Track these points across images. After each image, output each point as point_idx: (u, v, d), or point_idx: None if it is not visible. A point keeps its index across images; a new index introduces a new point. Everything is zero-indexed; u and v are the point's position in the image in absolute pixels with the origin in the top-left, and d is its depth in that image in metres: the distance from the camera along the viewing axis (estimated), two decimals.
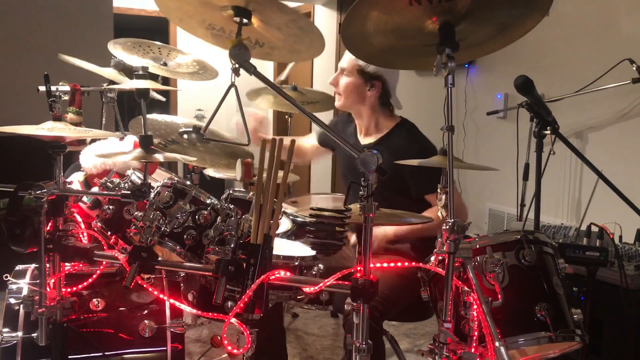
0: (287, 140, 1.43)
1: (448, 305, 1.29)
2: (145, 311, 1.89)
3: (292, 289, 1.55)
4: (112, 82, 2.68)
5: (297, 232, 2.08)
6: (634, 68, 2.58)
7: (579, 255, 1.98)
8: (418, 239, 2.17)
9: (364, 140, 2.31)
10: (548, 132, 2.12)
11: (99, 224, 1.75)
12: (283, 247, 1.80)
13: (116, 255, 1.58)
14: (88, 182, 2.14)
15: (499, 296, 1.37)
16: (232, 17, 1.42)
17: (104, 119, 2.92)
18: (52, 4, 4.31)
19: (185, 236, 1.56)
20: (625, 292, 2.01)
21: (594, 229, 2.09)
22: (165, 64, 2.11)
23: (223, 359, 2.60)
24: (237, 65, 1.39)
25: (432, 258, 1.51)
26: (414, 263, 1.50)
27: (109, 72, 2.61)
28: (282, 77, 2.99)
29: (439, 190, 1.49)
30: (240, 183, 1.93)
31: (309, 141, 2.68)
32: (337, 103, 2.31)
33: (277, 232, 1.57)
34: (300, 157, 2.71)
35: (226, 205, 1.62)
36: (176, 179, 1.73)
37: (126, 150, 1.90)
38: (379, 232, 2.12)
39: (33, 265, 1.92)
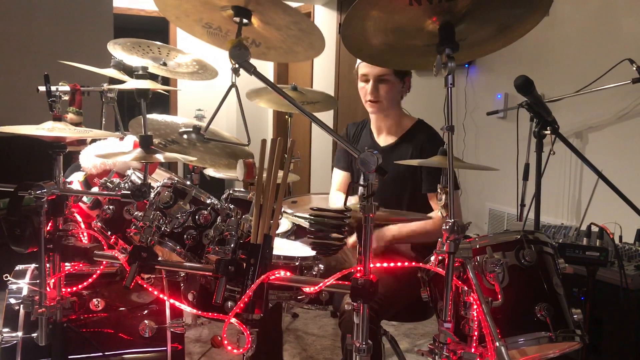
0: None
1: (448, 305, 1.29)
2: (145, 311, 1.89)
3: (292, 289, 1.55)
4: (113, 82, 2.68)
5: (297, 232, 2.09)
6: (634, 68, 2.58)
7: (579, 255, 1.98)
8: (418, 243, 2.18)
9: (385, 140, 2.30)
10: (548, 132, 2.12)
11: (99, 224, 1.75)
12: (283, 247, 1.80)
13: (116, 255, 1.58)
14: (88, 182, 2.14)
15: (499, 296, 1.37)
16: (231, 17, 1.42)
17: (104, 119, 2.92)
18: (52, 4, 4.31)
19: (185, 236, 1.57)
20: (625, 292, 2.01)
21: (594, 229, 2.09)
22: (164, 64, 2.11)
23: None
24: (237, 65, 1.39)
25: (432, 258, 1.51)
26: (413, 263, 1.50)
27: (109, 72, 2.61)
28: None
29: (439, 190, 1.49)
30: (241, 183, 1.93)
31: (337, 180, 2.46)
32: (374, 109, 2.23)
33: (277, 232, 1.57)
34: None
35: (226, 205, 1.62)
36: (176, 179, 1.73)
37: (126, 150, 1.90)
38: (377, 235, 2.12)
39: (33, 265, 1.92)
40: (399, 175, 2.15)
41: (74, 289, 1.74)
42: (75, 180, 2.15)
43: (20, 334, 1.72)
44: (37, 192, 1.52)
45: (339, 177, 2.45)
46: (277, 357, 2.36)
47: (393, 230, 2.12)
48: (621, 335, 2.13)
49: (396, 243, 2.15)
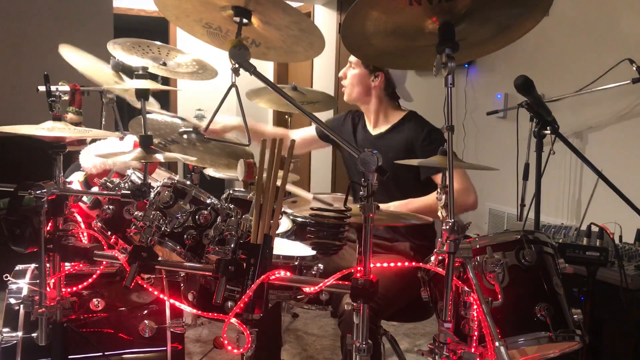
0: (287, 140, 1.44)
1: (448, 305, 1.29)
2: (145, 311, 1.89)
3: (292, 289, 1.55)
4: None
5: (297, 232, 2.08)
6: (634, 68, 2.58)
7: (579, 255, 1.98)
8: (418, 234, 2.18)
9: (374, 130, 2.35)
10: (548, 132, 2.12)
11: (99, 224, 1.75)
12: (283, 247, 1.80)
13: (116, 255, 1.58)
14: (88, 182, 2.14)
15: (499, 296, 1.37)
16: (231, 17, 1.42)
17: (104, 119, 2.92)
18: (52, 4, 4.31)
19: (185, 236, 1.56)
20: (625, 292, 2.01)
21: (594, 229, 2.09)
22: (164, 64, 2.11)
23: None
24: (237, 65, 1.39)
25: (432, 258, 1.51)
26: (414, 263, 1.50)
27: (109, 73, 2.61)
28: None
29: (438, 190, 1.50)
30: (241, 183, 1.93)
31: (307, 132, 2.63)
32: (345, 97, 2.39)
33: (277, 232, 1.57)
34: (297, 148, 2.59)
35: (226, 205, 1.62)
36: (176, 178, 1.73)
37: (126, 150, 1.90)
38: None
39: (33, 265, 1.92)
40: (390, 165, 2.15)
41: (74, 289, 1.74)
42: (75, 180, 2.15)
43: (20, 334, 1.72)
44: (37, 192, 1.52)
45: (306, 132, 2.60)
46: (275, 356, 2.36)
47: (397, 207, 2.08)
48: (621, 335, 2.13)
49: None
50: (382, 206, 2.09)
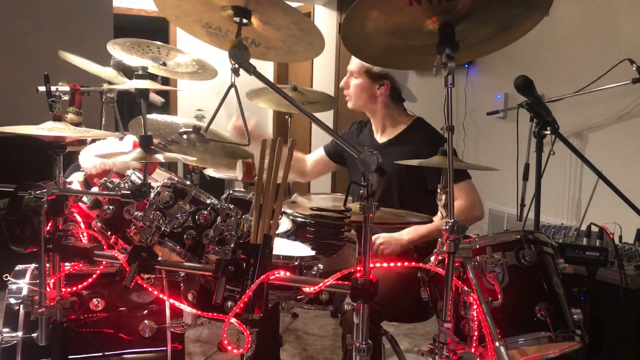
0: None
1: (448, 305, 1.29)
2: (145, 311, 1.89)
3: (292, 289, 1.55)
4: (112, 82, 2.67)
5: (297, 232, 2.09)
6: (634, 68, 2.58)
7: (579, 255, 1.98)
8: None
9: (381, 138, 2.34)
10: (548, 132, 2.12)
11: (99, 224, 1.75)
12: (283, 247, 1.80)
13: (116, 255, 1.58)
14: (88, 182, 2.14)
15: (499, 296, 1.37)
16: (231, 17, 1.42)
17: (103, 119, 2.92)
18: (52, 4, 4.31)
19: (185, 236, 1.57)
20: (625, 292, 2.01)
21: (594, 229, 2.09)
22: (164, 64, 2.11)
23: None
24: (236, 66, 1.39)
25: (432, 258, 1.50)
26: (413, 263, 1.50)
27: (108, 73, 2.61)
28: None
29: (438, 190, 1.49)
30: (241, 183, 1.93)
31: (317, 154, 2.57)
32: (349, 104, 2.35)
33: (277, 232, 1.57)
34: (297, 169, 2.52)
35: (226, 205, 1.62)
36: (176, 179, 1.73)
37: (126, 150, 1.90)
38: (394, 238, 2.12)
39: (33, 265, 1.92)
40: (395, 173, 2.15)
41: (74, 289, 1.74)
42: (75, 180, 2.15)
43: (20, 334, 1.72)
44: (37, 192, 1.52)
45: (317, 153, 2.55)
46: (274, 356, 2.36)
47: (409, 233, 2.12)
48: (621, 335, 2.13)
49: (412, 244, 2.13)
50: (395, 235, 2.10)
